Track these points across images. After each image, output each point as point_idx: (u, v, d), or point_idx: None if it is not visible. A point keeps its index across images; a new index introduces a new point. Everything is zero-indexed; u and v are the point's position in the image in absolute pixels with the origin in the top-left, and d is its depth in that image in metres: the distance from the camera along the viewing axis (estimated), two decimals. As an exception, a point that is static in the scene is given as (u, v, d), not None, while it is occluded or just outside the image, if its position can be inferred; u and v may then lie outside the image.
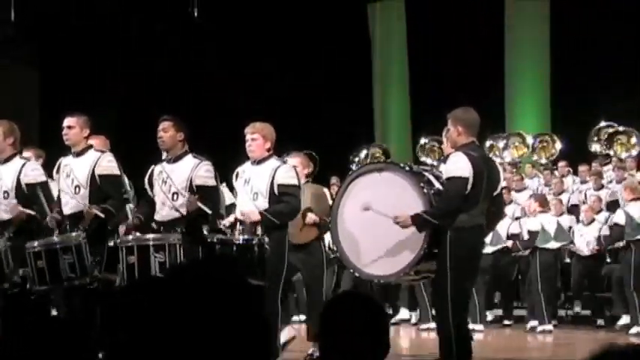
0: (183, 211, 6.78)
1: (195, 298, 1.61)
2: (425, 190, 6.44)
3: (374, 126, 18.15)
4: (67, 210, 7.09)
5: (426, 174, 6.76)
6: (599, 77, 14.93)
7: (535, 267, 11.03)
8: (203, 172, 6.88)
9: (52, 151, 8.15)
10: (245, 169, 7.22)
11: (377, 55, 18.27)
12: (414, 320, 11.42)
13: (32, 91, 16.70)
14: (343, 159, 15.57)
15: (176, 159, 6.94)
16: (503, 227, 11.41)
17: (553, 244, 11.13)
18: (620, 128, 13.97)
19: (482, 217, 6.47)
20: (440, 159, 8.09)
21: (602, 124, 14.24)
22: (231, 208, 7.75)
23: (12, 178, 7.25)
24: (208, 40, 16.60)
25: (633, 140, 13.87)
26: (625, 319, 10.64)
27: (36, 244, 6.81)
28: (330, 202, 8.06)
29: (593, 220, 11.37)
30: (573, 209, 12.29)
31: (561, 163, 14.23)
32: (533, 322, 10.82)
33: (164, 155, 7.07)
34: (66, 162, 7.20)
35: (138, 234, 6.83)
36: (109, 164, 7.13)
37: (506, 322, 11.57)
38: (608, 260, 11.30)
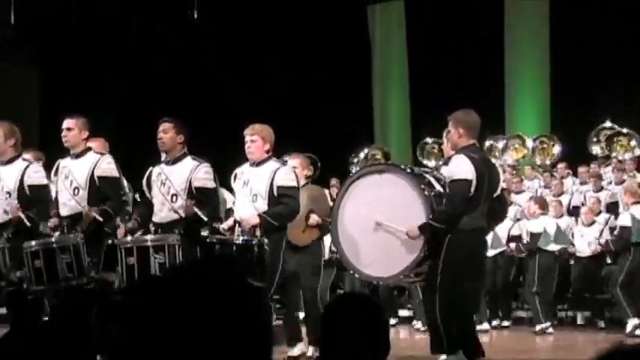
0: (182, 212, 6.77)
1: (195, 298, 1.61)
2: (426, 192, 6.45)
3: (374, 126, 18.14)
4: (65, 211, 7.09)
5: (427, 176, 6.77)
6: (599, 77, 14.92)
7: (534, 268, 11.03)
8: (202, 174, 6.87)
9: (52, 151, 8.15)
10: (244, 171, 7.22)
11: (377, 55, 18.26)
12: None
13: (32, 92, 16.70)
14: (343, 159, 15.57)
15: (175, 161, 6.93)
16: (503, 229, 11.41)
17: (553, 247, 11.14)
18: (624, 130, 13.96)
19: (483, 219, 6.49)
20: (441, 162, 8.07)
21: (608, 124, 14.21)
22: (231, 211, 7.75)
23: (15, 180, 7.25)
24: (208, 40, 16.60)
25: (633, 143, 13.88)
26: (632, 323, 10.59)
27: (33, 243, 6.81)
28: (330, 203, 8.06)
29: (593, 222, 11.36)
30: (575, 211, 12.28)
31: (561, 165, 14.22)
32: (540, 326, 10.80)
33: (163, 157, 7.06)
34: (64, 164, 7.20)
35: (137, 235, 6.84)
36: (108, 166, 7.13)
37: (505, 323, 11.56)
38: (609, 261, 11.29)
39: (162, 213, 6.87)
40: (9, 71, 15.80)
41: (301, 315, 8.19)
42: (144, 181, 7.11)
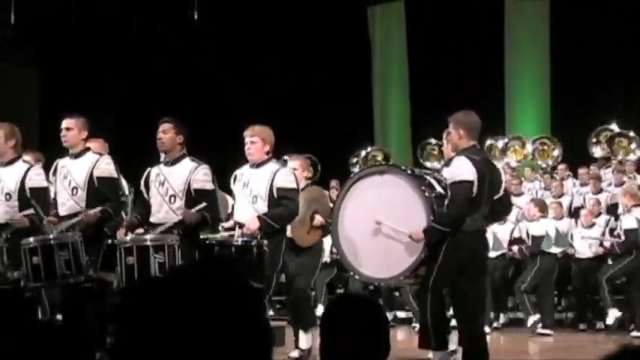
0: (180, 215, 6.76)
1: (194, 299, 1.60)
2: (426, 194, 6.45)
3: (374, 127, 18.14)
4: (63, 211, 7.09)
5: (428, 177, 6.77)
6: (599, 77, 14.92)
7: (532, 269, 11.03)
8: (201, 175, 6.86)
9: (52, 151, 8.15)
10: (244, 172, 7.21)
11: (377, 55, 18.26)
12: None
13: (32, 92, 16.69)
14: (343, 160, 15.57)
15: (174, 162, 6.93)
16: (505, 232, 11.42)
17: (554, 249, 11.15)
18: (631, 134, 13.94)
19: (484, 220, 6.50)
20: (442, 163, 8.10)
21: (614, 128, 14.19)
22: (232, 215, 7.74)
23: (15, 181, 7.24)
24: (208, 41, 16.60)
25: (633, 146, 13.89)
26: (612, 314, 10.67)
27: (32, 239, 6.79)
28: (330, 204, 8.06)
29: (593, 224, 11.35)
30: (576, 212, 12.27)
31: (561, 166, 14.21)
32: (542, 330, 10.78)
33: (162, 157, 7.06)
34: (63, 163, 7.19)
35: (137, 231, 6.84)
36: (107, 167, 7.13)
37: (501, 320, 11.54)
38: (610, 263, 11.28)
39: (160, 214, 6.87)
40: (9, 71, 15.79)
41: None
42: (142, 182, 7.10)
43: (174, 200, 6.82)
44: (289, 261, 7.63)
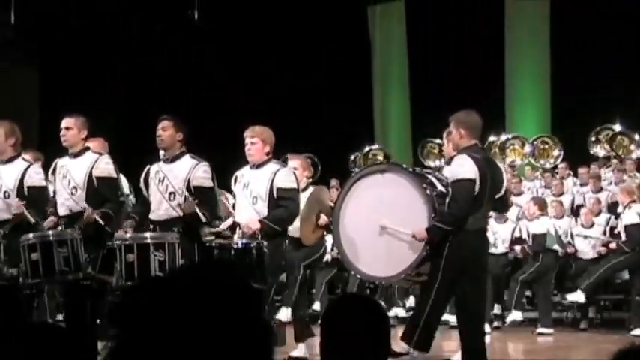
0: (180, 211, 6.77)
1: (194, 300, 1.60)
2: (428, 192, 6.45)
3: (374, 126, 18.14)
4: (62, 211, 7.09)
5: (429, 176, 6.77)
6: (599, 77, 14.93)
7: (532, 264, 11.02)
8: (201, 173, 6.86)
9: (52, 151, 8.15)
10: (244, 173, 7.21)
11: (377, 55, 18.26)
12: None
13: (32, 92, 16.69)
14: (343, 159, 15.57)
15: (173, 159, 6.93)
16: (506, 231, 11.42)
17: (555, 247, 11.16)
18: (636, 137, 13.95)
19: (485, 220, 6.51)
20: (443, 162, 8.12)
21: (617, 128, 14.20)
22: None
23: (15, 179, 7.26)
24: (208, 41, 16.60)
25: (632, 147, 13.89)
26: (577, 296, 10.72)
27: (31, 236, 6.79)
28: (331, 203, 8.07)
29: (593, 224, 11.35)
30: (577, 211, 12.27)
31: (561, 165, 14.22)
32: (541, 329, 10.78)
33: (161, 154, 7.06)
34: (62, 163, 7.19)
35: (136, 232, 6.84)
36: (106, 166, 7.12)
37: (495, 310, 11.55)
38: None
39: (159, 211, 6.87)
40: (9, 71, 15.79)
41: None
42: (141, 179, 7.11)
43: (174, 197, 6.82)
44: (290, 258, 7.64)
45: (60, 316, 8.59)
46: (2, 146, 7.31)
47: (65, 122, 7.14)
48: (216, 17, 16.12)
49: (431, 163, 15.21)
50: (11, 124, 7.44)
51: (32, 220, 7.10)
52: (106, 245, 6.90)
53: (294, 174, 7.28)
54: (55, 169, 7.26)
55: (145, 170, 7.09)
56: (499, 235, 11.34)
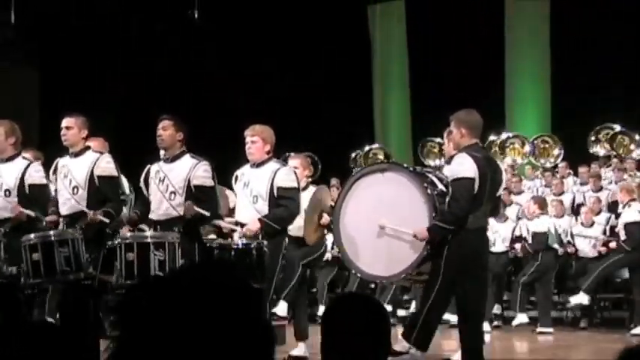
0: (180, 210, 6.76)
1: (195, 300, 1.60)
2: (428, 191, 6.44)
3: (374, 126, 18.15)
4: (64, 210, 7.10)
5: (430, 175, 6.77)
6: (599, 77, 14.93)
7: (532, 264, 11.02)
8: (201, 172, 6.86)
9: (52, 151, 8.15)
10: (244, 172, 7.21)
11: (377, 55, 18.27)
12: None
13: (32, 91, 16.69)
14: (343, 159, 15.58)
15: (174, 158, 6.92)
16: (507, 230, 11.42)
17: (555, 246, 11.16)
18: (637, 137, 13.94)
19: (485, 218, 6.51)
20: (444, 161, 8.12)
21: (617, 127, 14.19)
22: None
23: (15, 177, 7.27)
24: (208, 40, 16.60)
25: (632, 146, 13.89)
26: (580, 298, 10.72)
27: (32, 236, 6.80)
28: (331, 203, 8.08)
29: (593, 223, 11.35)
30: (577, 210, 12.28)
31: (561, 164, 14.23)
32: (541, 329, 10.78)
33: (162, 154, 7.06)
34: (63, 162, 7.20)
35: (138, 229, 6.85)
36: (107, 165, 7.13)
37: (495, 310, 11.56)
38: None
39: (160, 210, 6.87)
40: (9, 71, 15.79)
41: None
42: (141, 179, 7.11)
43: (175, 197, 6.81)
44: (290, 257, 7.65)
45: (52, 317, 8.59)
46: (2, 145, 7.32)
47: (65, 122, 7.15)
48: (216, 17, 16.12)
49: (431, 162, 15.21)
50: (11, 123, 7.45)
51: (33, 214, 7.11)
52: (106, 245, 6.91)
53: (295, 173, 7.28)
54: (55, 169, 7.26)
55: (145, 170, 7.09)
56: (499, 234, 11.34)
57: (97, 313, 6.69)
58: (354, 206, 6.85)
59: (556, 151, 14.83)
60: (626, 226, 10.75)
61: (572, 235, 11.40)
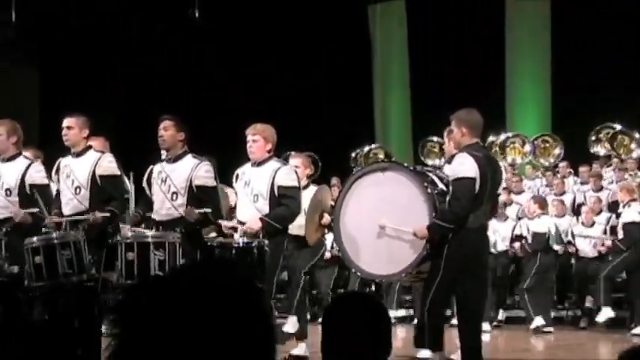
0: (182, 211, 6.76)
1: (195, 299, 1.60)
2: (429, 190, 6.44)
3: (374, 126, 18.14)
4: (67, 210, 7.09)
5: (430, 174, 6.76)
6: (599, 77, 14.93)
7: (532, 266, 11.03)
8: (203, 172, 6.86)
9: (52, 151, 8.15)
10: (245, 171, 7.20)
11: (377, 54, 18.26)
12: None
13: (32, 91, 16.69)
14: (343, 159, 15.56)
15: (176, 159, 6.92)
16: (506, 229, 11.42)
17: (555, 246, 11.16)
18: (637, 135, 13.94)
19: (486, 217, 6.51)
20: (444, 160, 8.10)
21: (617, 127, 14.20)
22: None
23: (16, 177, 7.27)
24: (208, 40, 16.59)
25: (633, 145, 13.89)
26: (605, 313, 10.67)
27: (35, 239, 6.80)
28: (332, 202, 8.08)
29: (594, 223, 11.35)
30: (578, 210, 12.27)
31: (562, 164, 14.23)
32: (534, 324, 10.80)
33: (163, 155, 7.05)
34: (65, 162, 7.19)
35: (138, 229, 6.84)
36: (109, 165, 7.12)
37: (499, 316, 11.56)
38: (610, 259, 11.27)
39: (162, 211, 6.87)
40: (9, 71, 15.79)
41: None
42: (144, 179, 7.10)
43: (177, 197, 6.81)
44: (292, 259, 7.65)
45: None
46: (4, 144, 7.33)
47: (66, 122, 7.15)
48: (216, 17, 16.12)
49: (431, 162, 15.19)
50: (13, 122, 7.46)
51: (36, 210, 7.11)
52: (108, 244, 6.91)
53: (296, 172, 7.27)
54: (58, 169, 7.26)
55: (148, 170, 7.09)
56: (499, 233, 11.34)
57: (99, 314, 6.69)
58: (355, 205, 6.84)
59: (557, 150, 14.82)
60: (625, 225, 10.77)
61: (572, 235, 11.40)
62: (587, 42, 15.23)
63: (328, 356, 2.60)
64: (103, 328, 6.67)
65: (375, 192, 6.73)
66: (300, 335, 7.88)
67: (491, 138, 14.67)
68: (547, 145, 15.03)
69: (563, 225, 11.39)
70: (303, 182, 7.78)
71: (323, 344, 2.61)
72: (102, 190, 7.04)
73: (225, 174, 7.68)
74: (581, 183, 13.25)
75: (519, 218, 11.78)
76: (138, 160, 7.85)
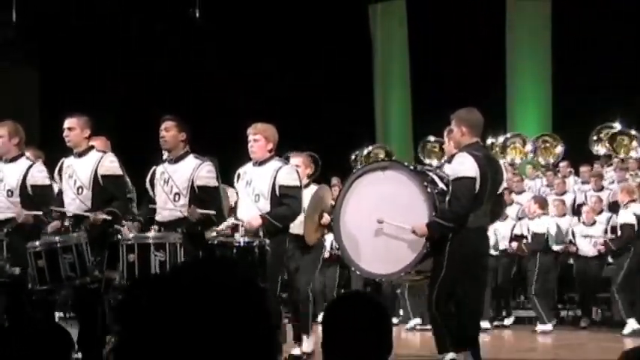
0: (185, 211, 6.76)
1: (196, 299, 1.60)
2: (429, 190, 6.43)
3: (375, 126, 18.15)
4: (69, 211, 7.08)
5: (430, 174, 6.75)
6: (600, 77, 14.94)
7: (534, 268, 11.04)
8: (204, 172, 6.84)
9: (53, 151, 8.15)
10: (246, 171, 7.19)
11: (378, 54, 18.27)
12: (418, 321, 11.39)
13: (32, 91, 16.71)
14: (343, 159, 15.57)
15: (177, 159, 6.91)
16: (506, 229, 11.42)
17: (555, 247, 11.16)
18: (633, 132, 13.96)
19: (486, 217, 6.50)
20: (444, 160, 8.09)
21: (617, 126, 14.20)
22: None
23: (17, 178, 7.27)
24: (208, 40, 16.60)
25: (634, 144, 13.89)
26: (631, 325, 10.57)
27: (37, 243, 6.81)
28: (332, 202, 8.08)
29: (595, 222, 11.35)
30: (579, 210, 12.28)
31: (563, 164, 14.23)
32: (541, 327, 10.79)
33: (165, 155, 7.05)
34: (68, 163, 7.18)
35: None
36: (111, 164, 7.11)
37: (506, 322, 11.58)
38: (610, 261, 11.29)
39: (165, 212, 6.86)
40: (9, 71, 15.80)
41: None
42: (147, 180, 7.10)
43: (179, 198, 6.80)
44: (292, 259, 7.65)
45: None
46: (6, 146, 7.33)
47: (67, 122, 7.13)
48: (216, 17, 16.13)
49: (432, 162, 15.19)
50: (15, 123, 7.46)
51: (39, 213, 7.12)
52: (110, 243, 6.90)
53: (297, 171, 7.27)
54: (60, 169, 7.25)
55: (151, 171, 7.08)
56: (499, 232, 11.35)
57: (103, 315, 6.70)
58: (355, 204, 6.83)
59: (558, 149, 14.82)
60: (621, 226, 10.80)
61: (573, 235, 11.40)
62: (587, 42, 15.24)
63: (329, 355, 2.60)
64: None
65: (375, 191, 6.72)
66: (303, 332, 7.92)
67: (490, 140, 14.68)
68: (547, 144, 15.03)
69: (564, 225, 11.39)
70: (304, 181, 7.78)
71: (324, 343, 2.60)
72: (104, 189, 7.02)
73: (225, 174, 7.68)
74: (582, 182, 13.25)
75: (519, 218, 11.78)
76: (138, 160, 7.84)
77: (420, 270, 6.61)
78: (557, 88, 16.22)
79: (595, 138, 14.45)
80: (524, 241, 11.31)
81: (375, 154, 15.77)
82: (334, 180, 13.00)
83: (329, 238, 8.76)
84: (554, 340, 10.43)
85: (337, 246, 7.42)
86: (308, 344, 7.98)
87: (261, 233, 6.79)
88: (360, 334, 2.55)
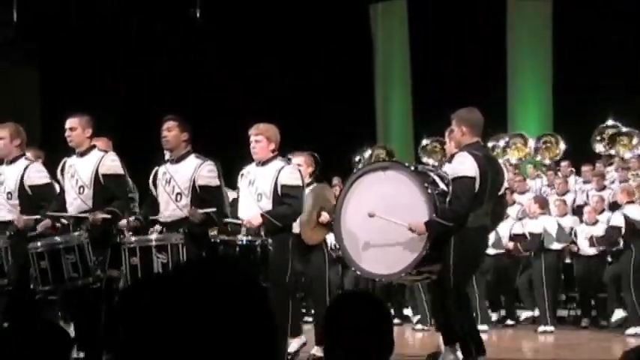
0: (187, 212, 6.75)
1: (197, 298, 1.59)
2: (429, 190, 6.42)
3: (376, 126, 18.15)
4: (71, 210, 7.09)
5: (431, 174, 6.74)
6: (600, 77, 14.94)
7: (540, 268, 11.02)
8: (206, 172, 6.84)
9: (53, 151, 8.15)
10: (250, 170, 7.21)
11: (379, 55, 18.27)
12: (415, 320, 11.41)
13: (32, 92, 16.71)
14: (344, 159, 15.57)
15: (179, 159, 6.91)
16: (505, 229, 11.42)
17: (556, 245, 11.15)
18: (624, 129, 13.98)
19: (487, 217, 6.49)
20: (444, 159, 8.10)
21: (609, 122, 14.22)
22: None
23: (15, 179, 7.26)
24: (208, 40, 16.60)
25: (635, 141, 13.88)
26: (617, 314, 10.63)
27: (39, 244, 6.81)
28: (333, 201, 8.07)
29: (596, 222, 11.35)
30: (579, 209, 12.27)
31: (564, 163, 14.22)
32: (543, 327, 10.79)
33: (167, 155, 7.05)
34: (70, 162, 7.18)
35: (140, 235, 6.84)
36: (112, 163, 7.11)
37: (509, 322, 11.57)
38: (610, 260, 11.28)
39: (167, 212, 6.87)
40: (9, 71, 15.80)
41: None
42: (150, 180, 7.10)
43: (181, 198, 6.80)
44: (295, 259, 7.65)
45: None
46: (7, 147, 7.33)
47: (69, 123, 7.13)
48: (216, 17, 16.13)
49: (432, 162, 15.19)
50: (16, 125, 7.46)
51: (39, 217, 7.12)
52: (112, 243, 6.91)
53: (299, 171, 7.28)
54: (63, 168, 7.25)
55: (154, 171, 7.08)
56: (500, 231, 11.33)
57: (107, 316, 6.70)
58: (356, 204, 6.83)
59: (561, 147, 14.80)
60: (612, 227, 10.82)
61: (575, 234, 11.40)
62: (588, 42, 15.24)
63: (331, 354, 2.60)
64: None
65: (375, 191, 6.71)
66: (296, 333, 7.91)
67: (491, 143, 14.67)
68: (548, 144, 15.03)
69: (565, 224, 11.39)
70: (307, 180, 7.78)
71: (326, 342, 2.60)
72: (105, 189, 7.02)
73: (225, 174, 7.67)
74: (584, 182, 13.25)
75: (520, 218, 11.77)
76: (138, 160, 7.84)
77: (421, 270, 6.60)
78: (557, 88, 16.22)
79: (598, 138, 14.43)
80: (522, 240, 11.31)
81: (377, 156, 15.77)
82: (335, 180, 13.01)
83: (330, 238, 8.75)
84: (554, 339, 10.43)
85: (338, 246, 7.40)
86: (296, 345, 7.97)
87: (262, 232, 6.78)
88: (362, 332, 2.55)
